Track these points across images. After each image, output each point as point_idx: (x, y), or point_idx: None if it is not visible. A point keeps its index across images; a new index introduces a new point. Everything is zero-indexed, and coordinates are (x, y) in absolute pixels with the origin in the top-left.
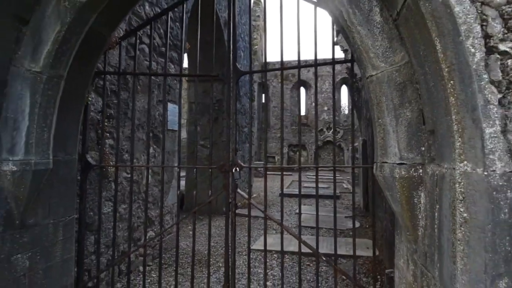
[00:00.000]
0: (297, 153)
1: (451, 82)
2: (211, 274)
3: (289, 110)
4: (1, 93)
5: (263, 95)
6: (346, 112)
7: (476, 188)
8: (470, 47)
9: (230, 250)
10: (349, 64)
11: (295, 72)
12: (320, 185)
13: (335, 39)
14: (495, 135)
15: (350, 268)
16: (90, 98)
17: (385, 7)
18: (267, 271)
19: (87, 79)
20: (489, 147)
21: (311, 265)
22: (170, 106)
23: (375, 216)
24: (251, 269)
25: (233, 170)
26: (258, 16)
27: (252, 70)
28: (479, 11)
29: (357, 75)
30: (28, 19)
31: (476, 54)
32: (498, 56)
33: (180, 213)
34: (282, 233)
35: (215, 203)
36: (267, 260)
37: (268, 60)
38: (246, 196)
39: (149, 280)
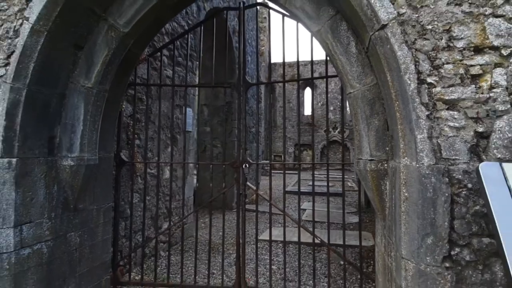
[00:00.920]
0: (303, 152)
1: (397, 102)
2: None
3: (295, 110)
4: (61, 103)
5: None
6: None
7: (412, 176)
8: (407, 79)
9: (241, 233)
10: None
11: (301, 72)
12: (326, 183)
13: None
14: (423, 140)
15: (348, 255)
16: (123, 106)
17: (359, 41)
18: (272, 257)
19: (122, 90)
20: (419, 147)
21: (312, 253)
22: (185, 109)
23: (374, 213)
24: (259, 256)
25: (243, 166)
26: (265, 17)
27: (259, 81)
28: (414, 55)
29: None
30: (82, 45)
31: (411, 84)
32: (426, 86)
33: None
34: (284, 218)
35: (225, 199)
36: (272, 249)
37: (273, 61)
38: (254, 188)
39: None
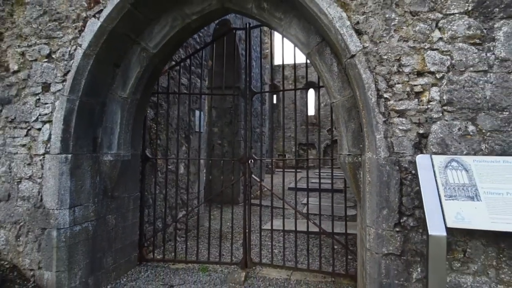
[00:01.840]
0: (307, 151)
1: (363, 111)
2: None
3: (298, 111)
4: (103, 110)
5: (274, 95)
6: None
7: (373, 165)
8: (370, 95)
9: (247, 218)
10: None
11: (303, 74)
12: (327, 180)
13: None
14: (381, 139)
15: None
16: (147, 111)
17: (340, 63)
18: (274, 243)
19: (148, 98)
20: (378, 144)
21: (306, 237)
22: (197, 112)
23: None
24: (262, 243)
25: (249, 162)
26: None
27: (263, 90)
28: (374, 77)
29: None
30: (119, 64)
31: (372, 98)
32: (383, 99)
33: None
34: (283, 204)
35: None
36: (274, 237)
37: (276, 63)
38: (259, 180)
39: (182, 247)
